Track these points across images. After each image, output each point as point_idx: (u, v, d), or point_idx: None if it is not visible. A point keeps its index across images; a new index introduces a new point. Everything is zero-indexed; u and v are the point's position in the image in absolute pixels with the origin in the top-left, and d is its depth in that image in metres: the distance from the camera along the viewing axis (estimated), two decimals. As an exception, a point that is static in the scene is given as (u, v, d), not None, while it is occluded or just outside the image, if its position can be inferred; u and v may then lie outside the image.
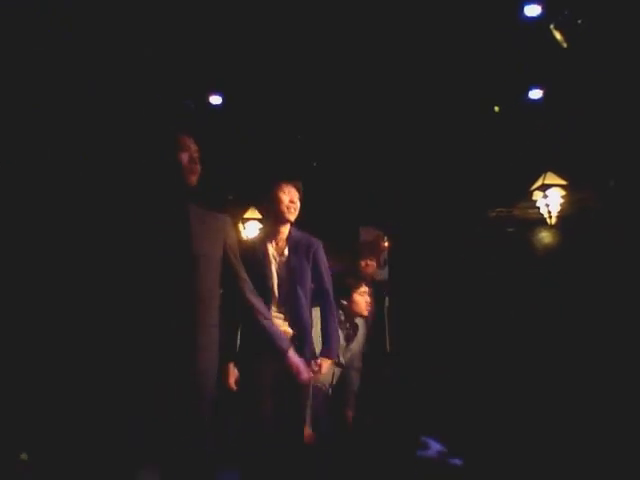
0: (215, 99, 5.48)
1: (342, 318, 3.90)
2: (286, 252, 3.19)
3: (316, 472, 3.33)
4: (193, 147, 2.59)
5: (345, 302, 3.91)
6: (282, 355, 2.75)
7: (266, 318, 2.75)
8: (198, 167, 2.58)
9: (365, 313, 4.00)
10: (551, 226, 6.08)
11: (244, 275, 2.70)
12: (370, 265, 4.52)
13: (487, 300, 5.86)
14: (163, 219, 2.51)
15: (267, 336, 2.74)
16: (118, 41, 4.81)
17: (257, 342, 2.89)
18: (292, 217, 3.20)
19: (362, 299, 3.96)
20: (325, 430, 3.63)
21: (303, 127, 5.79)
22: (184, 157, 2.54)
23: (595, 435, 4.04)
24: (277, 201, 3.18)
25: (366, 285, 4.00)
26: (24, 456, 3.58)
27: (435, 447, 3.84)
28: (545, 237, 6.31)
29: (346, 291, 3.92)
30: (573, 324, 5.40)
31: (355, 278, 4.04)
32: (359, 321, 4.06)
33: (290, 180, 3.24)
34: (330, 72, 5.09)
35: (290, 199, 3.19)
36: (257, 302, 2.72)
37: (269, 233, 3.25)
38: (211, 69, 5.17)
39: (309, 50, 4.97)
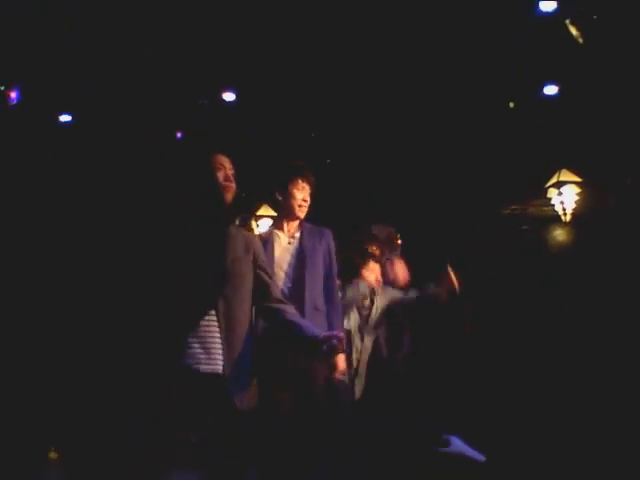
0: (228, 96, 5.48)
1: (356, 301, 3.79)
2: (297, 235, 3.25)
3: (331, 465, 3.30)
4: (228, 165, 2.61)
5: (355, 280, 3.80)
6: (317, 341, 2.60)
7: (294, 314, 2.70)
8: (233, 185, 2.60)
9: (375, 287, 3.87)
10: (566, 223, 6.04)
11: (275, 288, 2.71)
12: (375, 252, 4.45)
13: (501, 298, 5.82)
14: (197, 237, 2.52)
15: (299, 331, 2.66)
16: (125, 41, 4.83)
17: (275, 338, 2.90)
18: (302, 214, 3.26)
19: (371, 275, 3.87)
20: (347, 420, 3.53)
21: (316, 124, 5.78)
22: (219, 176, 2.57)
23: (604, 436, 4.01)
24: (290, 197, 3.22)
25: (375, 262, 3.90)
26: (53, 454, 3.61)
27: (457, 444, 3.80)
28: (560, 234, 6.26)
29: (354, 271, 3.84)
30: (586, 320, 5.36)
31: (362, 257, 3.96)
32: (377, 296, 3.88)
33: (305, 176, 3.25)
34: (343, 67, 5.08)
35: (303, 197, 3.23)
36: (288, 308, 2.69)
37: (279, 223, 3.31)
38: (224, 66, 5.17)
39: (322, 47, 4.96)
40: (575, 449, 3.95)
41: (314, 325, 2.76)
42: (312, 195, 3.28)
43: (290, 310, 2.70)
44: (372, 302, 3.89)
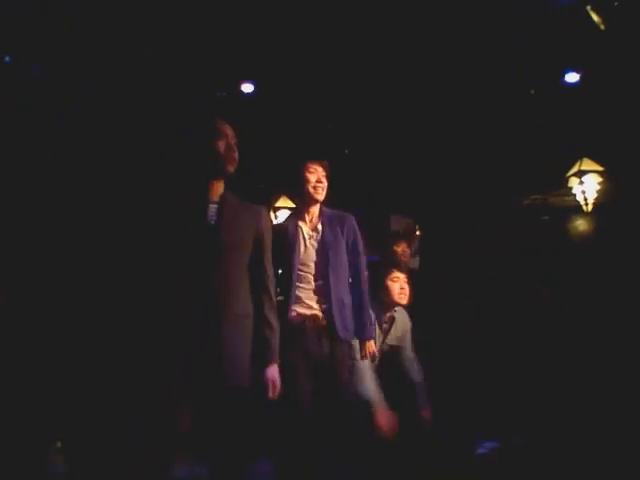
0: (247, 87, 5.48)
1: (378, 312, 3.64)
2: (319, 227, 3.18)
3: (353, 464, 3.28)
4: (230, 134, 2.47)
5: (379, 291, 3.67)
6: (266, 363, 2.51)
7: (270, 325, 2.53)
8: (236, 155, 2.46)
9: (399, 300, 3.72)
10: (587, 213, 5.99)
11: (270, 271, 2.55)
12: (406, 251, 4.45)
13: (523, 288, 5.79)
14: (196, 209, 2.42)
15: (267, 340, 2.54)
16: (142, 33, 4.84)
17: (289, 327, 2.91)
18: (320, 197, 3.18)
19: (395, 285, 3.70)
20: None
21: (334, 115, 5.77)
22: (221, 145, 2.43)
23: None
24: (304, 181, 3.16)
25: (400, 271, 3.76)
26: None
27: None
28: (581, 224, 6.21)
29: (379, 280, 3.69)
30: (608, 310, 5.31)
31: (386, 265, 3.86)
32: (398, 312, 3.78)
33: (314, 158, 3.20)
34: (361, 56, 5.05)
35: (317, 179, 3.16)
36: (269, 308, 2.53)
37: (301, 214, 3.24)
38: (243, 57, 5.17)
39: (341, 37, 4.94)
40: (582, 448, 3.91)
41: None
42: (328, 178, 3.21)
43: (269, 316, 2.52)
44: (390, 326, 3.77)
